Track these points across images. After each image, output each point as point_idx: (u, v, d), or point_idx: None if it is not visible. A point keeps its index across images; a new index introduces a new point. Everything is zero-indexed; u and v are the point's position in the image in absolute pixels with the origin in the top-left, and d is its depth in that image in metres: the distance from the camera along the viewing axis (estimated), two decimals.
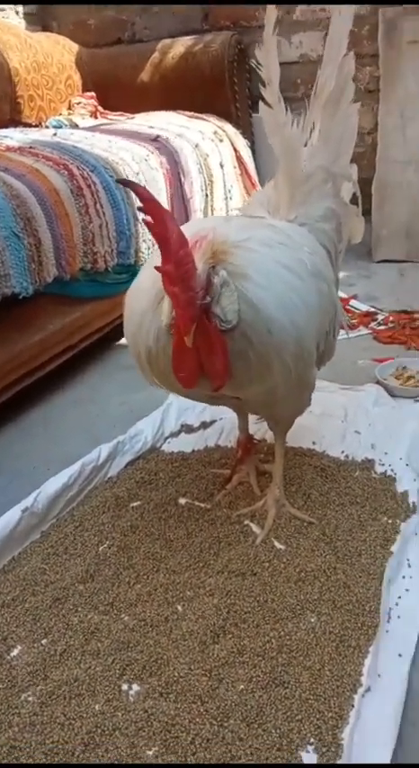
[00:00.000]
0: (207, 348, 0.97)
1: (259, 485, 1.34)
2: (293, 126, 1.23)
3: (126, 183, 1.07)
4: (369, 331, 2.07)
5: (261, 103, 1.20)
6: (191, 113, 2.70)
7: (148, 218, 0.89)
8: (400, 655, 0.94)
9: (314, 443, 1.47)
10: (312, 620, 1.01)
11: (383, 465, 1.37)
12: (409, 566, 1.09)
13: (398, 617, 1.00)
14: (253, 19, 2.95)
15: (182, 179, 2.29)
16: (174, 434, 1.57)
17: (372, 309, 2.22)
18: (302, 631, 0.99)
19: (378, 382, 1.69)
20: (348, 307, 2.24)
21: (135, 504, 1.32)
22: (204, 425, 1.59)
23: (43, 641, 1.02)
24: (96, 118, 2.83)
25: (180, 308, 0.91)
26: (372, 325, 2.10)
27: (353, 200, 1.38)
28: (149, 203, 0.89)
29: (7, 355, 1.66)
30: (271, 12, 1.16)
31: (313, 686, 0.90)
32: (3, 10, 3.09)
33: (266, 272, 1.01)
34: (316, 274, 1.12)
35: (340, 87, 1.23)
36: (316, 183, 1.26)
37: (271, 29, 1.18)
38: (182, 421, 1.60)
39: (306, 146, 1.28)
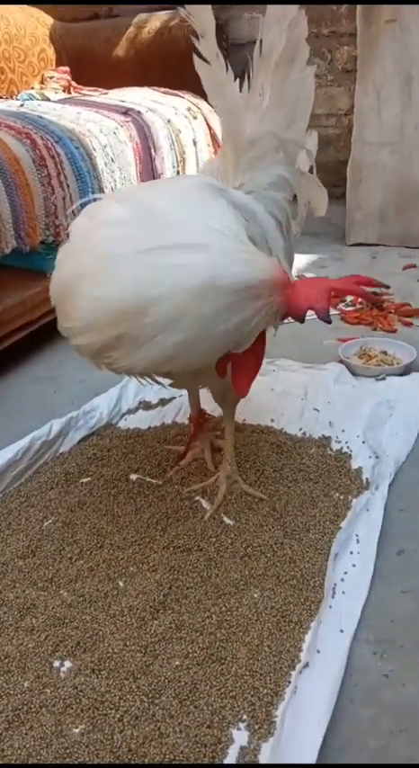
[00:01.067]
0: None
1: (214, 461, 1.31)
2: (235, 85, 1.12)
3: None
4: (337, 312, 2.04)
5: (196, 59, 1.10)
6: (166, 89, 2.64)
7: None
8: (342, 630, 0.91)
9: (272, 421, 1.44)
10: (255, 595, 0.98)
11: (339, 442, 1.34)
12: (358, 541, 1.06)
13: (343, 592, 0.98)
14: None
15: (153, 154, 2.23)
16: (132, 411, 1.53)
17: None
18: (244, 607, 0.96)
19: (341, 361, 1.66)
20: None
21: (85, 480, 1.29)
22: (163, 402, 1.55)
23: None
24: (69, 93, 2.76)
25: None
26: (340, 305, 2.07)
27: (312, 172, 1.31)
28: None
29: None
30: None
31: (250, 662, 0.87)
32: None
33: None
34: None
35: (292, 48, 1.15)
36: (264, 150, 1.17)
37: None
38: (140, 398, 1.56)
39: (255, 111, 1.18)
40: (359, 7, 2.58)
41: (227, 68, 1.10)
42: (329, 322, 0.99)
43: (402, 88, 2.56)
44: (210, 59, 1.08)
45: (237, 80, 1.13)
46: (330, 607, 0.95)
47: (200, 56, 1.09)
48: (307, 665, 0.86)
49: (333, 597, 0.97)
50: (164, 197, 1.03)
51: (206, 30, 1.08)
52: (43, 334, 1.92)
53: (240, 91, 1.15)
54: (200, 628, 0.93)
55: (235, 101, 1.12)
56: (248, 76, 1.17)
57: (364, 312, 1.99)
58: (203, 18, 1.08)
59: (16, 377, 1.77)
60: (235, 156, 1.17)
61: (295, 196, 1.25)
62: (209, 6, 1.08)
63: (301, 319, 0.99)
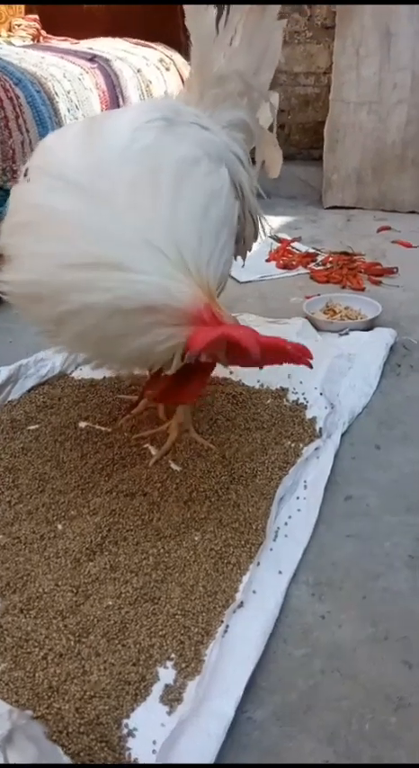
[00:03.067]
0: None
1: (166, 411, 1.27)
2: (214, 13, 1.09)
3: None
4: (308, 271, 2.00)
5: None
6: (138, 40, 2.56)
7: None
8: (280, 572, 0.89)
9: (231, 372, 1.40)
10: (195, 538, 0.95)
11: (296, 393, 1.31)
12: (305, 487, 1.04)
13: (285, 536, 0.95)
14: None
15: (121, 103, 2.16)
16: (87, 361, 1.48)
17: (313, 251, 2.14)
18: (183, 549, 0.93)
19: (306, 317, 1.63)
20: (288, 248, 2.16)
21: (32, 427, 1.24)
22: None
23: None
24: (38, 42, 2.66)
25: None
26: (311, 265, 2.03)
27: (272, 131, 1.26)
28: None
29: None
30: None
31: (183, 602, 0.85)
32: None
33: None
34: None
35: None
36: (230, 91, 1.14)
37: None
38: None
39: (226, 50, 1.16)
40: None
41: None
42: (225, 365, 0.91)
43: (381, 45, 2.50)
44: None
45: (216, 10, 1.10)
46: (271, 550, 0.92)
47: None
48: (241, 604, 0.83)
49: (275, 540, 0.94)
50: (117, 171, 0.85)
51: None
52: None
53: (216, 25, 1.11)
54: (136, 569, 0.90)
55: (210, 29, 1.09)
56: (226, 14, 1.13)
57: (334, 271, 1.95)
58: None
59: None
60: (200, 89, 1.13)
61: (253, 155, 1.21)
62: None
63: (195, 360, 0.84)
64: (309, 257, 2.09)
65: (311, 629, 0.83)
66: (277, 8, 1.17)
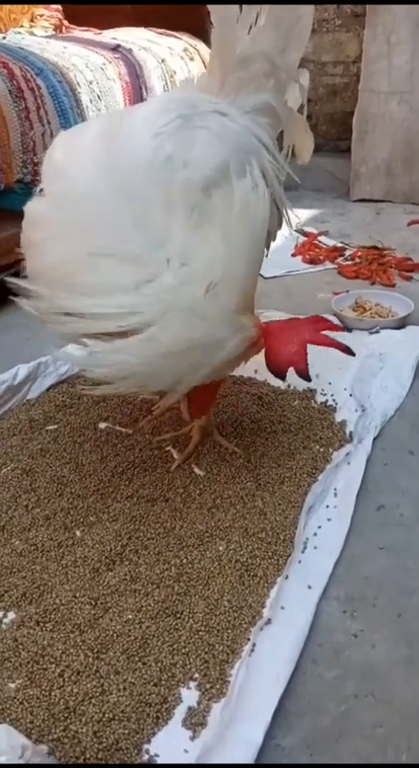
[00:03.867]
0: None
1: (189, 412, 1.23)
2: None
3: None
4: (335, 266, 1.93)
5: None
6: (162, 30, 2.50)
7: None
8: (310, 587, 0.84)
9: (256, 372, 1.35)
10: (220, 547, 0.91)
11: (325, 395, 1.25)
12: (335, 494, 0.98)
13: (315, 547, 0.90)
14: None
15: (145, 94, 2.11)
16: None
17: (340, 245, 2.08)
18: (206, 559, 0.89)
19: (335, 314, 1.57)
20: (315, 242, 2.09)
21: (51, 427, 1.21)
22: None
23: None
24: (61, 32, 2.62)
25: None
26: (339, 260, 1.97)
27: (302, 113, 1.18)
28: None
29: None
30: None
31: (207, 617, 0.80)
32: None
33: None
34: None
35: None
36: (254, 72, 1.06)
37: None
38: None
39: (250, 28, 1.07)
40: None
41: None
42: (309, 380, 1.01)
43: (413, 33, 2.41)
44: None
45: None
46: (299, 562, 0.87)
47: None
48: (268, 621, 0.79)
49: (303, 552, 0.89)
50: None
51: None
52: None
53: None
54: (158, 580, 0.86)
55: (232, 8, 1.02)
56: None
57: (363, 266, 1.88)
58: None
59: None
60: (222, 73, 1.05)
61: (280, 138, 1.15)
62: None
63: (282, 377, 0.99)
64: (337, 252, 2.02)
65: (343, 648, 0.78)
66: None
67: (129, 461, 1.10)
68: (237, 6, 1.05)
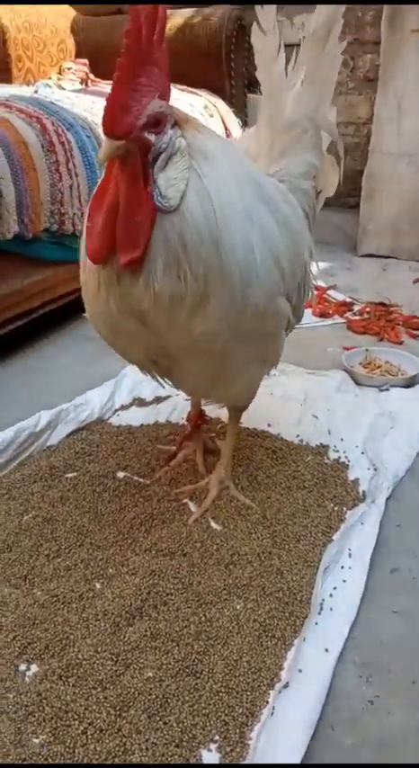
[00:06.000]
0: (129, 201, 0.81)
1: (206, 464, 1.26)
2: (282, 62, 1.10)
3: None
4: (344, 320, 1.99)
5: (254, 28, 1.08)
6: (183, 87, 2.61)
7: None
8: (327, 650, 0.85)
9: (269, 425, 1.38)
10: (238, 606, 0.93)
11: (337, 451, 1.28)
12: (350, 555, 1.01)
13: (331, 609, 0.92)
14: None
15: None
16: (125, 407, 1.48)
17: (349, 300, 2.14)
18: (225, 618, 0.91)
19: (345, 369, 1.61)
20: (325, 296, 2.16)
21: (70, 475, 1.23)
22: (158, 400, 1.50)
23: None
24: (87, 85, 2.72)
25: (113, 100, 0.78)
26: (348, 314, 2.02)
27: (331, 151, 1.26)
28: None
29: None
30: None
31: (226, 678, 0.82)
32: None
33: (239, 172, 0.88)
34: (289, 230, 1.01)
35: (328, 22, 1.11)
36: (297, 133, 1.15)
37: None
38: (135, 394, 1.51)
39: (292, 91, 1.15)
40: (384, 15, 2.54)
41: (279, 46, 1.07)
42: None
43: None
44: (267, 30, 1.07)
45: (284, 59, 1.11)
46: (316, 624, 0.89)
47: (258, 24, 1.07)
48: (286, 684, 0.80)
49: (320, 613, 0.91)
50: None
51: None
52: (38, 324, 1.88)
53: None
54: (177, 638, 0.88)
55: (280, 78, 1.10)
56: (295, 56, 1.15)
57: (371, 322, 1.94)
58: None
59: (7, 367, 1.72)
60: (271, 138, 1.14)
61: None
62: None
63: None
64: (346, 306, 2.08)
65: (359, 715, 0.80)
66: (338, 32, 1.14)
67: (148, 513, 1.12)
68: (285, 78, 1.13)
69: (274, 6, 1.07)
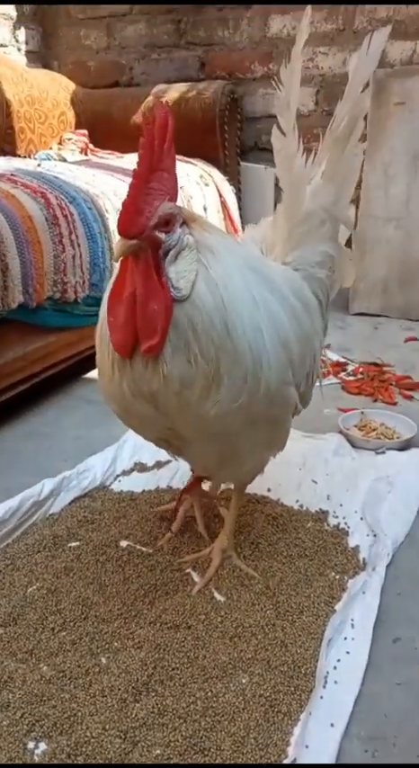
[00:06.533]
0: (145, 293, 0.87)
1: (206, 523, 1.28)
2: (302, 159, 1.16)
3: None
4: (338, 381, 2.04)
5: (274, 130, 1.14)
6: (180, 157, 2.73)
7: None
8: (332, 725, 0.86)
9: (269, 490, 1.41)
10: (243, 680, 0.94)
11: (337, 517, 1.31)
12: (352, 626, 1.02)
13: (335, 682, 0.93)
14: (247, 71, 3.03)
15: None
16: (126, 473, 1.51)
17: (343, 360, 2.19)
18: (231, 693, 0.91)
19: (340, 432, 1.65)
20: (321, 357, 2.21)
21: (73, 544, 1.25)
22: (159, 465, 1.53)
23: None
24: (86, 155, 2.85)
25: (128, 204, 0.85)
26: (342, 375, 2.08)
27: (348, 244, 1.32)
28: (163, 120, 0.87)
29: None
30: (305, 25, 1.09)
31: (234, 755, 0.82)
32: (5, 46, 3.15)
33: (244, 265, 0.94)
34: (304, 311, 1.07)
35: (352, 123, 1.16)
36: (315, 225, 1.20)
37: (300, 45, 1.09)
38: (135, 459, 1.54)
39: (310, 185, 1.21)
40: (371, 89, 2.69)
41: (299, 144, 1.13)
42: None
43: (409, 167, 2.65)
44: (287, 131, 1.12)
45: (303, 155, 1.17)
46: (321, 698, 0.90)
47: (278, 126, 1.13)
48: (294, 761, 0.81)
49: (324, 687, 0.92)
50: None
51: (290, 102, 1.11)
52: (44, 389, 1.92)
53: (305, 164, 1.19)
54: (184, 714, 0.88)
55: (300, 175, 1.16)
56: (314, 154, 1.21)
57: (365, 382, 1.99)
58: (292, 90, 1.11)
59: (9, 431, 1.75)
60: (288, 228, 1.19)
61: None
62: (299, 80, 1.11)
63: None
64: (340, 366, 2.14)
65: None
66: (360, 133, 1.19)
67: (151, 583, 1.14)
68: (305, 171, 1.18)
69: (295, 109, 1.12)
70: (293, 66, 1.10)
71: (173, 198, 0.90)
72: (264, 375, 0.95)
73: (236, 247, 0.99)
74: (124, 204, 0.86)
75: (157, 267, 0.89)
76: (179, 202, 0.93)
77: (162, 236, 0.88)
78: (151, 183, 0.86)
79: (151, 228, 0.87)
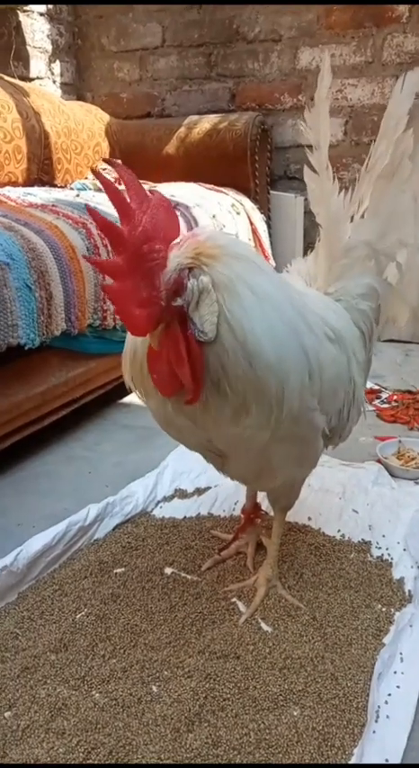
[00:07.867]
0: (176, 358, 0.89)
1: (255, 560, 1.29)
2: (339, 196, 1.19)
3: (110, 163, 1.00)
4: (373, 408, 2.04)
5: (306, 169, 1.16)
6: (211, 186, 2.79)
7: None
8: (387, 760, 0.86)
9: (310, 519, 1.42)
10: (295, 713, 0.94)
11: (380, 548, 1.31)
12: (401, 660, 1.02)
13: (387, 717, 0.93)
14: (277, 102, 3.09)
15: None
16: (167, 499, 1.52)
17: (376, 387, 2.20)
18: (283, 725, 0.92)
19: (378, 461, 1.65)
20: None
21: (119, 570, 1.27)
22: (198, 492, 1.55)
23: (6, 714, 0.95)
24: (120, 184, 2.91)
25: (134, 306, 0.83)
26: (376, 402, 2.08)
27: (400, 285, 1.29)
28: (128, 181, 0.88)
29: (7, 405, 1.64)
30: (327, 74, 1.12)
31: None
32: (41, 78, 3.26)
33: (263, 296, 0.90)
34: (337, 341, 1.08)
35: (394, 163, 1.19)
36: (357, 258, 1.22)
37: (324, 91, 1.11)
38: (176, 485, 1.56)
39: (351, 220, 1.24)
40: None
41: (333, 180, 1.15)
42: None
43: None
44: (320, 170, 1.15)
45: (341, 192, 1.20)
46: (374, 732, 0.90)
47: (310, 166, 1.16)
48: None
49: (376, 721, 0.92)
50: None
51: (321, 142, 1.14)
52: (83, 414, 1.96)
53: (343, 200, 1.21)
54: (238, 746, 0.89)
55: (337, 210, 1.19)
56: (352, 188, 1.24)
57: (401, 410, 1.99)
58: (321, 131, 1.14)
59: (51, 456, 1.78)
60: (328, 261, 1.22)
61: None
62: (328, 121, 1.14)
63: None
64: (373, 393, 2.14)
65: None
66: (407, 173, 1.21)
67: (197, 612, 1.15)
68: (342, 206, 1.20)
69: (326, 149, 1.15)
70: (319, 110, 1.13)
71: (173, 229, 0.88)
72: (287, 400, 0.95)
73: (258, 278, 0.93)
74: (126, 306, 0.85)
75: (183, 324, 0.88)
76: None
77: (178, 300, 0.86)
78: (142, 250, 0.84)
79: (166, 309, 0.85)
